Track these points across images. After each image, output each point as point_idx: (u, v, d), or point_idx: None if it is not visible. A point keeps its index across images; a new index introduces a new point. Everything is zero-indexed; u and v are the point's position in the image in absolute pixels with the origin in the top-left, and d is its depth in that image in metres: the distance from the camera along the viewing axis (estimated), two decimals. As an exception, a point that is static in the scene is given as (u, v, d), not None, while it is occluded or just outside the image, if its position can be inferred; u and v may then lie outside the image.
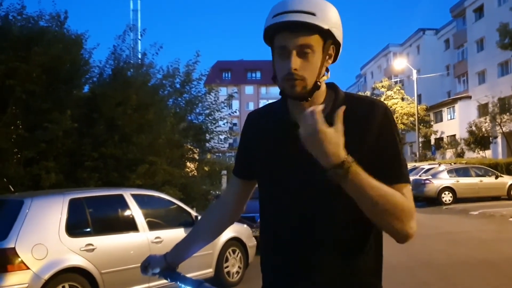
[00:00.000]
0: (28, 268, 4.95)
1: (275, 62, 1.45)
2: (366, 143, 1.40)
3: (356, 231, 1.44)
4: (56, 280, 5.14)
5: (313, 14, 1.36)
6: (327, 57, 1.45)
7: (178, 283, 1.71)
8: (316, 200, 1.43)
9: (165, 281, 1.76)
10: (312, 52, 1.40)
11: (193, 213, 7.15)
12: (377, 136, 1.41)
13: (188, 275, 1.75)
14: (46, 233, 5.30)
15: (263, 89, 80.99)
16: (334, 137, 1.25)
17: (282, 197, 1.50)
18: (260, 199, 1.59)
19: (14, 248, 4.92)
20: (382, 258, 1.56)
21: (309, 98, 1.44)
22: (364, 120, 1.42)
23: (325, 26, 1.38)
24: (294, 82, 1.40)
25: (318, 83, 1.43)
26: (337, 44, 1.46)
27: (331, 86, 1.54)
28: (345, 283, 1.45)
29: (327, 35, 1.40)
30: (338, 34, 1.44)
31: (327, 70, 1.48)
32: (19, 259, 4.92)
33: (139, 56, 12.73)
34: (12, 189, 7.83)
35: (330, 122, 1.27)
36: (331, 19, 1.41)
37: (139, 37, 13.92)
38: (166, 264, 1.79)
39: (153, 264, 1.79)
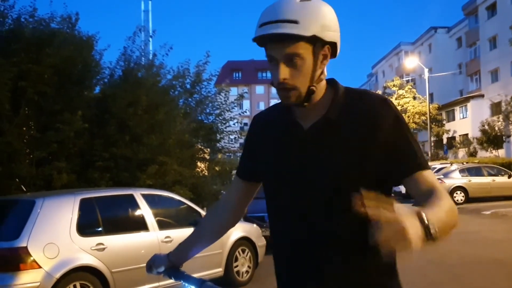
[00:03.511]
0: (40, 267, 5.01)
1: (270, 69, 1.47)
2: (373, 138, 1.39)
3: (361, 230, 1.39)
4: (67, 279, 5.20)
5: (296, 22, 1.34)
6: (322, 58, 1.44)
7: (182, 281, 1.74)
8: (319, 201, 1.43)
9: (178, 281, 1.79)
10: (301, 59, 1.39)
11: (203, 212, 7.19)
12: (384, 130, 1.39)
13: (198, 274, 1.78)
14: (57, 233, 5.37)
15: (273, 89, 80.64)
16: (412, 226, 1.17)
17: (286, 198, 1.50)
18: (266, 200, 1.60)
19: (26, 247, 4.99)
20: (395, 256, 1.48)
21: (306, 103, 1.45)
22: (366, 115, 1.41)
23: (308, 34, 1.35)
24: (286, 92, 1.43)
25: (312, 88, 1.42)
26: (332, 43, 1.43)
27: (330, 82, 1.52)
28: (353, 282, 1.44)
29: (315, 40, 1.38)
30: (330, 34, 1.41)
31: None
32: (31, 258, 4.99)
33: (150, 57, 12.79)
34: (24, 189, 7.92)
35: (328, 118, 1.30)
36: (317, 21, 1.37)
37: (150, 38, 13.98)
38: (169, 263, 1.81)
39: (157, 263, 1.82)
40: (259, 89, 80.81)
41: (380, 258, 1.32)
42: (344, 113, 1.41)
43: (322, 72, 1.45)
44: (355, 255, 1.43)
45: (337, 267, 1.43)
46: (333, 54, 1.47)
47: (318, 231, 1.43)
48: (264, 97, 79.84)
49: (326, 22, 1.39)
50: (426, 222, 1.18)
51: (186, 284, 1.71)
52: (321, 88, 1.47)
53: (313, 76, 1.42)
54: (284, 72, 1.40)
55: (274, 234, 1.58)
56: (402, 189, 25.91)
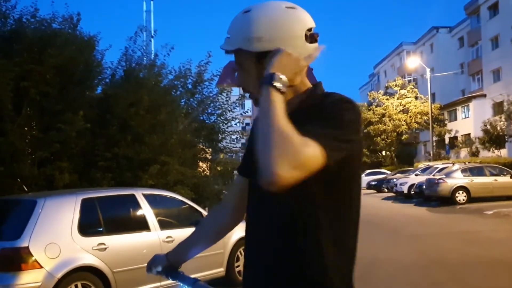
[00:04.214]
0: (41, 267, 5.02)
1: None
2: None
3: (295, 213, 1.42)
4: (68, 279, 5.21)
5: (228, 37, 1.49)
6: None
7: (177, 281, 1.75)
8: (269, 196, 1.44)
9: (175, 281, 1.80)
10: (246, 67, 1.50)
11: (205, 212, 7.20)
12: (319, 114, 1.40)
13: (199, 274, 1.80)
14: (59, 233, 5.38)
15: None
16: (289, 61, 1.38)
17: (253, 186, 1.56)
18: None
19: (27, 247, 5.00)
20: (349, 259, 1.46)
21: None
22: (315, 110, 1.42)
23: (233, 47, 1.48)
24: (249, 94, 1.55)
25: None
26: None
27: (314, 85, 1.54)
28: (288, 280, 1.42)
29: (247, 52, 1.46)
30: (259, 45, 1.44)
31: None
32: (33, 258, 5.00)
33: (151, 57, 12.81)
34: (26, 189, 7.94)
35: (293, 118, 1.31)
36: (243, 34, 1.45)
37: (151, 38, 14.00)
38: (168, 263, 1.82)
39: (156, 263, 1.83)
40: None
41: (320, 257, 1.39)
42: (302, 110, 1.45)
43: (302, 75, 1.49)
44: (290, 237, 1.43)
45: (274, 249, 1.45)
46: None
47: (268, 213, 1.47)
48: (266, 97, 79.87)
49: (253, 35, 1.44)
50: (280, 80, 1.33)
51: (181, 284, 1.72)
52: (290, 91, 1.46)
53: (292, 77, 1.45)
54: (239, 78, 1.56)
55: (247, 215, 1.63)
56: (404, 189, 25.98)
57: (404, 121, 44.51)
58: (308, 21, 1.48)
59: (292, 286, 1.42)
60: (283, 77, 1.33)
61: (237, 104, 14.94)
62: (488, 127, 33.78)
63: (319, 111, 1.39)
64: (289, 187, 1.21)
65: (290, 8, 1.46)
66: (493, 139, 33.19)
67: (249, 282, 1.54)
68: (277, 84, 1.31)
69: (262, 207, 1.49)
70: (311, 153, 1.24)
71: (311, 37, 1.46)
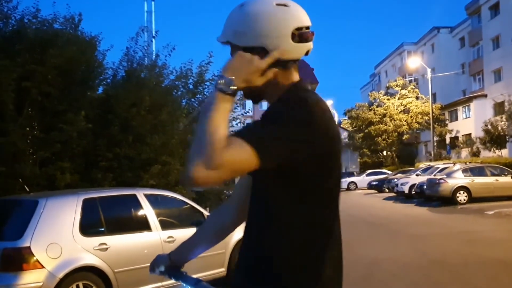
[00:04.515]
0: (43, 267, 5.04)
1: None
2: None
3: (262, 211, 1.46)
4: (70, 279, 5.23)
5: (223, 30, 1.52)
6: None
7: (180, 281, 1.76)
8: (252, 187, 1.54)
9: (178, 282, 1.80)
10: None
11: (206, 213, 7.21)
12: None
13: (201, 274, 1.80)
14: (60, 233, 5.39)
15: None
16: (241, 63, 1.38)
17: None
18: None
19: (29, 247, 5.02)
20: (314, 261, 1.42)
21: (252, 101, 1.57)
22: (273, 108, 1.46)
23: (223, 40, 1.51)
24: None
25: (250, 88, 1.47)
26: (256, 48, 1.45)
27: (295, 83, 1.54)
28: (253, 270, 1.46)
29: (237, 46, 1.47)
30: (244, 39, 1.45)
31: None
32: (34, 258, 5.02)
33: (153, 58, 12.81)
34: (28, 189, 7.94)
35: (264, 114, 1.40)
36: (231, 28, 1.48)
37: (153, 39, 14.00)
38: (170, 263, 1.82)
39: (159, 263, 1.83)
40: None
41: (280, 250, 1.40)
42: (269, 107, 1.49)
43: (273, 75, 1.47)
44: (257, 244, 1.46)
45: (245, 254, 1.50)
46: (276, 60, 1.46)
47: (250, 212, 1.52)
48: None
49: (239, 29, 1.46)
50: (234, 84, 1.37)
51: (184, 284, 1.73)
52: (274, 90, 1.49)
53: (255, 76, 1.46)
54: None
55: None
56: (405, 189, 25.98)
57: (405, 121, 44.49)
58: (298, 20, 1.46)
59: (250, 278, 1.46)
60: (229, 80, 1.36)
61: (238, 104, 14.95)
62: (489, 127, 33.76)
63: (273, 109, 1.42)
64: (210, 185, 1.29)
65: (281, 6, 1.44)
66: (494, 139, 33.17)
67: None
68: (221, 87, 1.34)
69: (249, 206, 1.54)
70: (231, 155, 1.26)
71: (299, 37, 1.45)
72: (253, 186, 1.53)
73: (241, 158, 1.28)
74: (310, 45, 1.50)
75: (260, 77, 1.44)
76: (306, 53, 1.53)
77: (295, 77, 1.53)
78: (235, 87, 1.37)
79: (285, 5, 1.45)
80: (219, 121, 1.31)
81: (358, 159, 53.53)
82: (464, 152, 39.34)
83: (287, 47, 1.45)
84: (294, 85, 1.50)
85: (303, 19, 1.47)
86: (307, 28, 1.48)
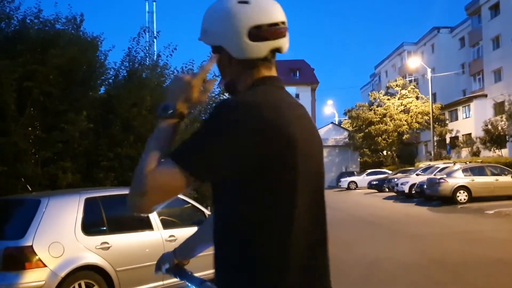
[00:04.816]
0: (45, 266, 5.07)
1: None
2: None
3: (219, 222, 1.43)
4: (72, 278, 5.26)
5: None
6: (226, 61, 1.47)
7: (185, 280, 1.78)
8: None
9: (182, 280, 1.83)
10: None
11: (207, 212, 7.23)
12: None
13: (202, 273, 1.81)
14: (62, 232, 5.42)
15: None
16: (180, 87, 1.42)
17: None
18: None
19: (31, 246, 5.05)
20: (249, 254, 1.35)
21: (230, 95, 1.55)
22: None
23: (199, 37, 1.51)
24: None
25: (225, 83, 1.53)
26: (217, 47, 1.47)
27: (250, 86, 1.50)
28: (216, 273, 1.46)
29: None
30: (209, 39, 1.47)
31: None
32: (37, 257, 5.05)
33: (154, 58, 12.83)
34: (30, 189, 7.98)
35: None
36: (202, 26, 1.48)
37: (154, 39, 14.01)
38: (175, 260, 1.84)
39: (164, 261, 1.85)
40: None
41: (229, 253, 1.38)
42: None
43: (239, 73, 1.47)
44: (218, 246, 1.45)
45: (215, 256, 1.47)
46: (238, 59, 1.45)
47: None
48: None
49: (204, 26, 1.48)
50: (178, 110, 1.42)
51: (189, 284, 1.75)
52: (242, 87, 1.48)
53: (223, 73, 1.52)
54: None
55: None
56: (405, 188, 26.00)
57: (405, 121, 44.49)
58: (257, 17, 1.39)
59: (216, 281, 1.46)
60: (166, 104, 1.40)
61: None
62: (489, 127, 33.77)
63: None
64: (149, 212, 1.32)
65: (242, 3, 1.40)
66: (494, 139, 33.18)
67: None
68: (159, 112, 1.39)
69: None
70: (157, 178, 1.27)
71: (256, 35, 1.39)
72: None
73: (167, 179, 1.28)
74: (276, 43, 1.43)
75: (203, 93, 1.45)
76: (278, 51, 1.47)
77: (263, 71, 1.47)
78: (172, 110, 1.39)
79: (246, 2, 1.40)
80: (153, 146, 1.33)
81: (359, 159, 53.57)
82: (464, 152, 39.35)
83: (243, 46, 1.40)
84: (251, 86, 1.45)
85: (265, 16, 1.40)
86: (273, 25, 1.41)
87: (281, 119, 1.33)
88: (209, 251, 2.03)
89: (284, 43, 1.47)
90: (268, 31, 1.41)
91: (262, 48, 1.42)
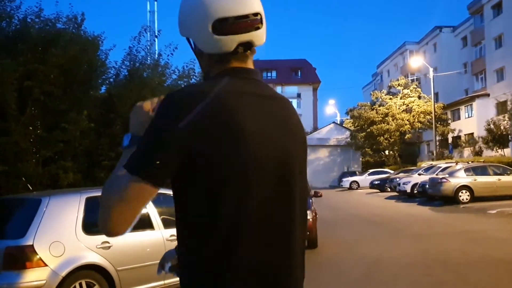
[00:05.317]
0: (46, 265, 5.05)
1: None
2: None
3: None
4: (73, 277, 5.24)
5: None
6: (200, 52, 1.44)
7: None
8: None
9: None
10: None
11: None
12: None
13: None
14: (63, 231, 5.40)
15: (278, 89, 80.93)
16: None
17: None
18: None
19: (32, 246, 5.03)
20: (197, 247, 1.30)
21: None
22: None
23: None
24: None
25: (204, 76, 1.49)
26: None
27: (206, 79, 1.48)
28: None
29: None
30: (182, 31, 1.43)
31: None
32: (37, 256, 5.03)
33: (155, 57, 12.84)
34: (31, 188, 7.98)
35: None
36: (178, 17, 1.44)
37: (155, 38, 14.02)
38: (177, 259, 1.83)
39: (167, 259, 1.83)
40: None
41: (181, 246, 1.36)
42: None
43: (211, 64, 1.43)
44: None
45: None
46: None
47: None
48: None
49: (179, 17, 1.43)
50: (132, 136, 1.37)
51: None
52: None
53: (201, 65, 1.49)
54: None
55: None
56: (407, 188, 25.97)
57: (407, 120, 44.45)
58: (223, 10, 1.32)
59: None
60: (128, 134, 1.37)
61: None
62: (492, 126, 33.67)
63: None
64: (125, 231, 1.31)
65: None
66: (497, 138, 33.08)
67: None
68: (130, 146, 1.33)
69: None
70: (115, 195, 1.24)
71: (220, 29, 1.33)
72: None
73: (129, 192, 1.23)
74: (244, 36, 1.35)
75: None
76: (249, 45, 1.38)
77: (234, 64, 1.41)
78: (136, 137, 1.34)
79: None
80: (115, 171, 1.28)
81: (360, 159, 53.51)
82: (467, 152, 39.29)
83: (208, 40, 1.35)
84: (204, 79, 1.46)
85: (233, 8, 1.32)
86: (242, 17, 1.33)
87: (222, 111, 1.26)
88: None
89: (255, 36, 1.37)
90: (235, 24, 1.33)
91: (228, 42, 1.34)
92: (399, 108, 45.32)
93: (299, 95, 71.51)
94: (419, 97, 45.55)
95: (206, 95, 1.27)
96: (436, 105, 39.91)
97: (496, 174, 20.59)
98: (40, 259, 5.04)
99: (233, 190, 1.26)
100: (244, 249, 1.27)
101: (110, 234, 1.28)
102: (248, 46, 1.38)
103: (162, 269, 1.84)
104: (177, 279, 1.80)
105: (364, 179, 39.40)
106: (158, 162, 1.22)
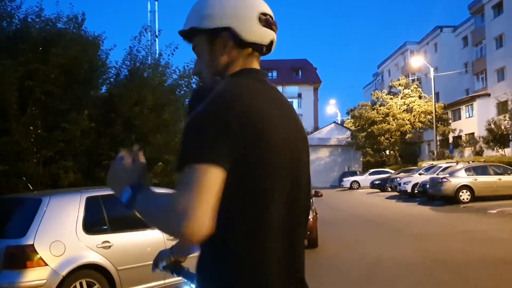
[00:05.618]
0: (46, 265, 5.06)
1: None
2: None
3: None
4: (73, 277, 5.25)
5: (186, 20, 1.50)
6: (223, 46, 1.45)
7: (182, 277, 1.78)
8: None
9: (180, 278, 1.82)
10: (199, 49, 1.49)
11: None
12: None
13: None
14: (63, 230, 5.41)
15: (279, 88, 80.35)
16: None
17: None
18: None
19: (32, 245, 5.04)
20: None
21: None
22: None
23: (186, 27, 1.48)
24: (200, 80, 1.57)
25: (216, 76, 1.47)
26: (225, 29, 1.43)
27: (228, 75, 1.48)
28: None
29: (201, 30, 1.45)
30: (211, 22, 1.43)
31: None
32: (38, 256, 5.04)
33: (156, 57, 12.84)
34: (31, 188, 7.98)
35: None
36: (194, 14, 1.46)
37: (156, 38, 14.01)
38: (172, 258, 1.84)
39: (162, 258, 1.85)
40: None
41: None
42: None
43: (230, 61, 1.46)
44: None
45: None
46: (241, 41, 1.44)
47: None
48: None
49: (207, 12, 1.44)
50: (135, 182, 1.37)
51: (185, 280, 1.75)
52: (226, 70, 1.48)
53: (214, 63, 1.47)
54: (195, 63, 1.55)
55: None
56: (408, 188, 25.95)
57: (408, 120, 44.44)
58: (263, 5, 1.46)
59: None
60: (128, 196, 1.36)
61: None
62: (492, 126, 33.63)
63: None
64: (206, 235, 1.18)
65: None
66: (497, 138, 33.05)
67: None
68: (130, 203, 1.35)
69: None
70: (187, 188, 1.18)
71: (265, 22, 1.44)
72: None
73: (202, 182, 1.19)
74: (274, 35, 1.47)
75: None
76: (271, 45, 1.48)
77: (250, 64, 1.48)
78: (133, 196, 1.35)
79: None
80: (147, 200, 1.31)
81: (361, 158, 53.49)
82: (467, 151, 39.26)
83: (254, 29, 1.43)
84: (234, 73, 1.46)
85: (267, 6, 1.47)
86: (271, 17, 1.47)
87: (256, 112, 1.32)
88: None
89: (275, 38, 1.49)
90: (272, 20, 1.46)
91: (267, 35, 1.45)
92: (399, 108, 45.31)
93: (300, 95, 71.46)
94: (420, 97, 45.53)
95: (248, 93, 1.35)
96: (436, 105, 39.88)
97: (496, 174, 20.59)
98: (41, 258, 5.05)
99: (260, 189, 1.31)
100: (273, 244, 1.33)
101: (193, 234, 1.16)
102: (270, 46, 1.48)
103: (156, 267, 1.86)
104: (177, 278, 1.81)
105: (365, 179, 39.38)
106: (217, 145, 1.24)
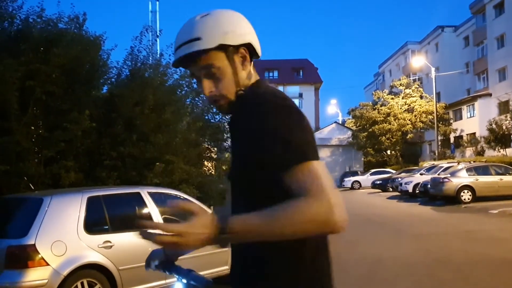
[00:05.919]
0: (47, 264, 5.07)
1: (197, 86, 1.63)
2: (249, 129, 1.40)
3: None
4: (74, 276, 5.26)
5: (199, 39, 1.43)
6: (241, 60, 1.50)
7: (174, 274, 1.78)
8: (234, 187, 1.56)
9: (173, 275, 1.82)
10: (218, 68, 1.46)
11: (209, 211, 7.21)
12: (252, 130, 1.38)
13: (204, 272, 1.80)
14: (65, 230, 5.42)
15: (280, 88, 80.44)
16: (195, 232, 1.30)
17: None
18: None
19: (34, 245, 5.05)
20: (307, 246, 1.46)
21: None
22: (244, 119, 1.43)
23: (213, 45, 1.43)
24: (217, 103, 1.52)
25: (241, 92, 1.49)
26: (245, 44, 1.49)
27: (252, 85, 1.52)
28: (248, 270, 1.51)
29: (223, 48, 1.45)
30: (236, 38, 1.46)
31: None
32: (39, 256, 5.04)
33: (157, 57, 12.85)
34: (33, 188, 8.00)
35: (233, 112, 1.50)
36: (219, 31, 1.44)
37: (157, 38, 14.02)
38: (165, 257, 1.83)
39: (154, 257, 1.84)
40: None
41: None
42: (244, 109, 1.45)
43: (249, 74, 1.52)
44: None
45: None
46: (255, 53, 1.53)
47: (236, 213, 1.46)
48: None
49: (229, 28, 1.46)
50: (219, 225, 1.28)
51: (177, 276, 1.75)
52: (242, 86, 1.51)
53: (237, 79, 1.49)
54: (207, 85, 1.49)
55: None
56: (409, 188, 25.90)
57: (409, 120, 44.42)
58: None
59: (245, 279, 1.50)
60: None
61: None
62: (494, 126, 33.62)
63: (257, 124, 1.36)
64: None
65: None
66: (499, 138, 33.03)
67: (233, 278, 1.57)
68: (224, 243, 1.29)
69: (232, 209, 1.54)
70: (316, 178, 1.29)
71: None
72: (234, 189, 1.54)
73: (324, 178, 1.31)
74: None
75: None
76: (257, 56, 1.56)
77: (256, 75, 1.55)
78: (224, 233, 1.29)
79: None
80: (264, 219, 1.25)
81: (362, 158, 53.43)
82: (469, 151, 39.24)
83: (258, 42, 1.55)
84: (257, 83, 1.52)
85: None
86: None
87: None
88: (209, 251, 2.01)
89: None
90: None
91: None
92: (401, 108, 45.29)
93: (301, 95, 71.40)
94: (421, 97, 45.51)
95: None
96: (438, 105, 39.88)
97: (498, 174, 20.56)
98: (42, 258, 5.06)
99: None
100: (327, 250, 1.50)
101: (340, 224, 1.22)
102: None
103: (149, 266, 1.87)
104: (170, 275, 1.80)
105: (366, 179, 39.36)
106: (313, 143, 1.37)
